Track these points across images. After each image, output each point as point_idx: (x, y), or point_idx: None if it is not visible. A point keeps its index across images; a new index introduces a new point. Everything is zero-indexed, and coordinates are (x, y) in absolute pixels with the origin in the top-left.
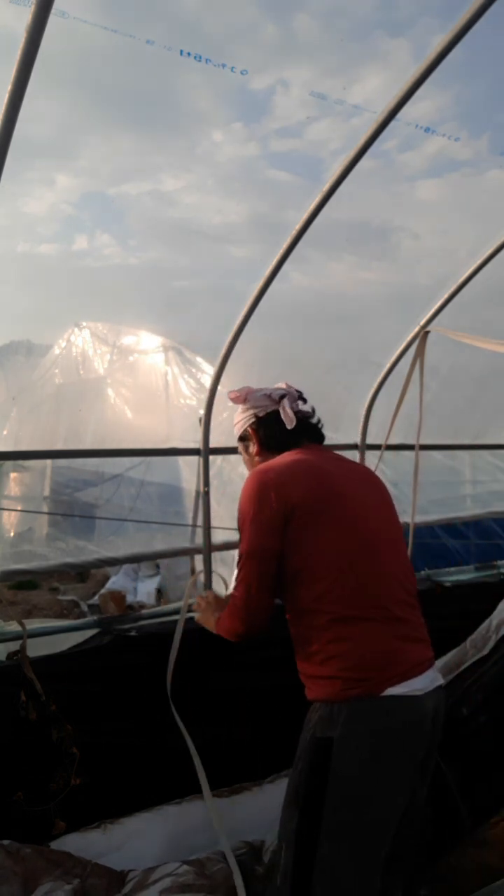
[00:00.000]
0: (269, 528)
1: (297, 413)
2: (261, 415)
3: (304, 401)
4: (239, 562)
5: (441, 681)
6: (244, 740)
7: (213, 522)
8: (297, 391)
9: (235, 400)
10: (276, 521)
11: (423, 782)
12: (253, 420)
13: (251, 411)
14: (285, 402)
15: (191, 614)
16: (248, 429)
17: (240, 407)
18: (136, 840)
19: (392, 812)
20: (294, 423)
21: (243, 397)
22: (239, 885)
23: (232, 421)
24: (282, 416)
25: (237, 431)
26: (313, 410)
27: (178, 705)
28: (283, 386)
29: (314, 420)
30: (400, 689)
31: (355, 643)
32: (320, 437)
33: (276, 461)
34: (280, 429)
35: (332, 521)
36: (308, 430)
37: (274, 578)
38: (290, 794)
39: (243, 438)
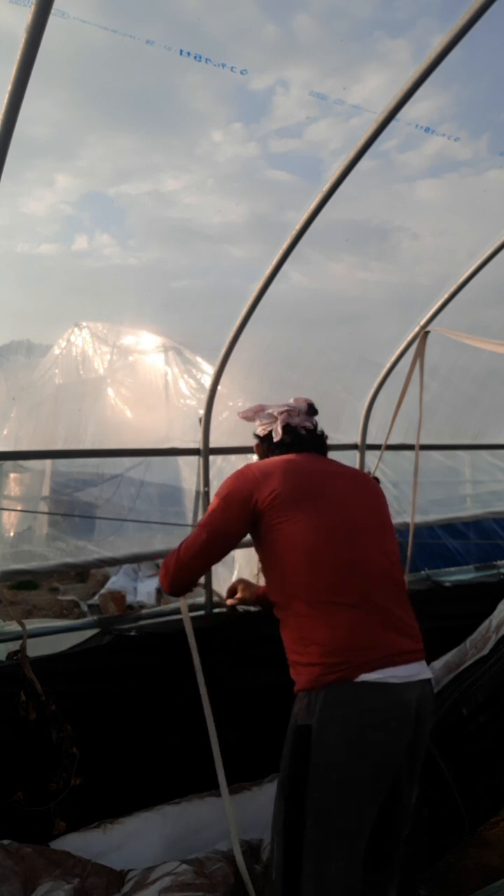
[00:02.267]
0: (233, 514)
1: (299, 427)
2: (263, 434)
3: (314, 413)
4: (196, 527)
5: (428, 675)
6: (243, 740)
7: None
8: (308, 405)
9: (246, 418)
10: (243, 510)
11: (410, 777)
12: (258, 440)
13: (259, 429)
14: (280, 419)
15: (195, 613)
16: (256, 449)
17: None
18: (135, 840)
19: (370, 796)
20: (280, 438)
21: (253, 416)
22: (246, 880)
23: (232, 421)
24: (272, 434)
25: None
26: (315, 425)
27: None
28: (292, 402)
29: (318, 432)
30: (375, 675)
31: (333, 629)
32: (319, 449)
33: (264, 461)
34: (276, 443)
35: (309, 511)
36: (305, 443)
37: (215, 557)
38: (278, 787)
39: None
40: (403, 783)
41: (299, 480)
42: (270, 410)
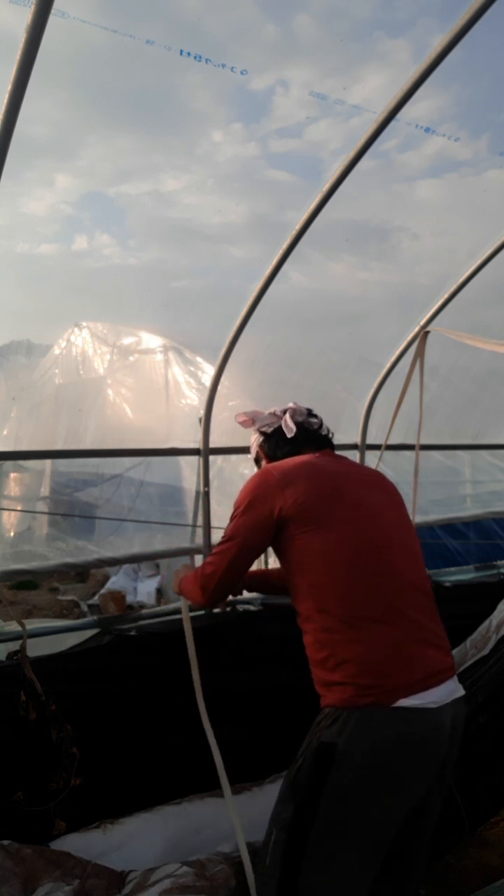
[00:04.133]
0: (258, 526)
1: (303, 424)
2: (268, 431)
3: (314, 417)
4: (222, 539)
5: (461, 692)
6: (244, 740)
7: (213, 522)
8: (307, 409)
9: (244, 424)
10: (266, 522)
11: (439, 790)
12: (262, 439)
13: (260, 431)
14: (287, 415)
15: (194, 614)
16: (259, 450)
17: (251, 431)
18: (135, 840)
19: (389, 824)
20: (294, 432)
21: (251, 420)
22: (250, 877)
23: (232, 421)
24: (282, 426)
25: (252, 455)
26: (321, 424)
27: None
28: (292, 405)
29: (322, 432)
30: (413, 700)
31: (367, 647)
32: (328, 443)
33: (283, 462)
34: (284, 440)
35: (337, 520)
36: (314, 440)
37: (246, 567)
38: (287, 788)
39: (257, 461)
40: (433, 797)
41: (323, 485)
42: (272, 410)
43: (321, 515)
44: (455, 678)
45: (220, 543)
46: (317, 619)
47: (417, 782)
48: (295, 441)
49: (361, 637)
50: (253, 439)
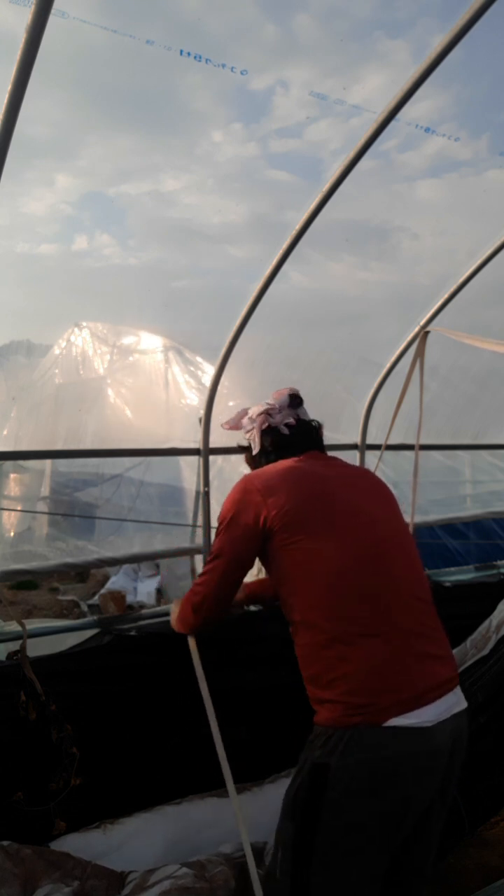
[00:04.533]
0: (243, 537)
1: (280, 427)
2: (247, 444)
3: (297, 404)
4: (209, 557)
5: (463, 705)
6: (244, 740)
7: (213, 522)
8: (290, 395)
9: (233, 429)
10: (252, 532)
11: (440, 811)
12: (244, 450)
13: (245, 437)
14: (258, 422)
15: None
16: (245, 458)
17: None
18: (135, 840)
19: (389, 840)
20: (259, 447)
21: (237, 424)
22: (254, 876)
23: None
24: (251, 440)
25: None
26: (298, 418)
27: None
28: (272, 399)
29: (307, 426)
30: (405, 719)
31: (358, 664)
32: (315, 444)
33: (267, 468)
34: (262, 451)
35: (326, 528)
36: (295, 444)
37: (237, 582)
38: (288, 805)
39: (251, 455)
40: (433, 812)
41: (309, 492)
42: (251, 413)
43: (308, 525)
44: (457, 690)
45: (208, 562)
46: (305, 634)
47: (414, 801)
48: (266, 452)
49: (352, 654)
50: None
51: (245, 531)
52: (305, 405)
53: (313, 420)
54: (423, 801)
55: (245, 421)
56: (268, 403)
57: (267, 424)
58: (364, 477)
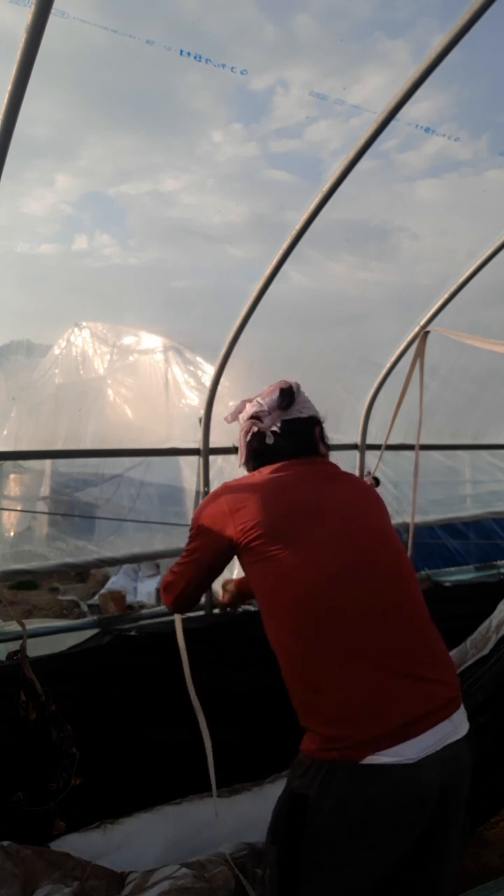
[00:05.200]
0: (212, 548)
1: (266, 434)
2: (239, 444)
3: (289, 403)
4: (185, 550)
5: (461, 733)
6: (244, 740)
7: None
8: (280, 390)
9: (230, 421)
10: (220, 545)
11: (441, 854)
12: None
13: (241, 432)
14: (243, 430)
15: (194, 614)
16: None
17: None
18: (135, 840)
19: (370, 877)
20: (244, 459)
21: (236, 417)
22: (248, 887)
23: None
24: (240, 445)
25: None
26: (290, 418)
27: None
28: (262, 398)
29: (300, 426)
30: (384, 757)
31: (332, 692)
32: (305, 447)
33: (243, 480)
34: (250, 455)
35: (297, 544)
36: (282, 449)
37: (205, 583)
38: (270, 829)
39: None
40: (431, 861)
41: (281, 506)
42: (243, 414)
43: (277, 541)
44: (455, 717)
45: (183, 553)
46: (284, 654)
47: (395, 840)
48: (257, 457)
49: (325, 681)
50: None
51: (213, 544)
52: (290, 412)
53: (311, 415)
54: (405, 841)
55: (241, 417)
56: (258, 403)
57: (255, 429)
58: (347, 483)
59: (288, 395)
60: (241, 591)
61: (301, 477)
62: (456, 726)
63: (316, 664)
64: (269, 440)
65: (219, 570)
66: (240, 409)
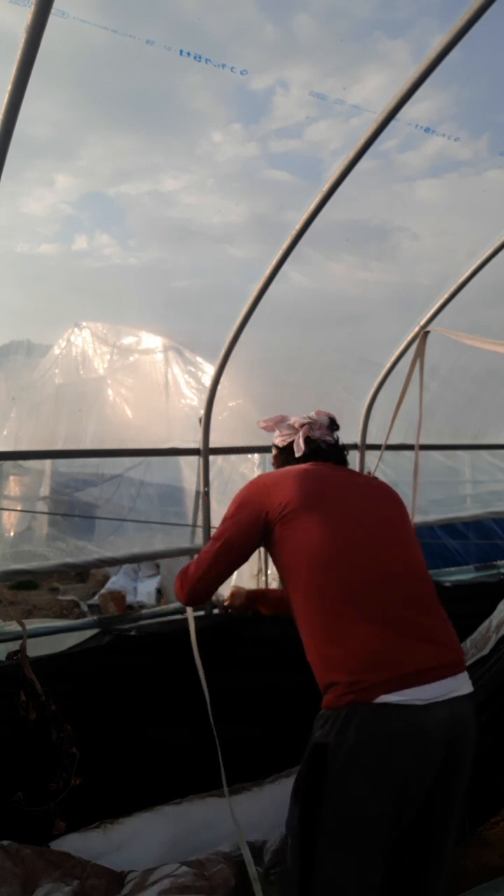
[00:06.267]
0: (243, 528)
1: (320, 441)
2: (282, 445)
3: (335, 428)
4: (209, 542)
5: (465, 691)
6: (244, 740)
7: (214, 522)
8: (330, 419)
9: (266, 429)
10: (253, 525)
11: (445, 810)
12: (276, 450)
13: (278, 440)
14: (300, 435)
15: (195, 614)
16: (273, 459)
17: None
18: (135, 840)
19: (388, 821)
20: (302, 452)
21: (272, 426)
22: (254, 879)
23: (232, 421)
24: (294, 448)
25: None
26: (336, 441)
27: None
28: (314, 415)
29: (338, 446)
30: (394, 697)
31: (348, 645)
32: (337, 458)
33: (278, 470)
34: (293, 455)
35: (322, 520)
36: (324, 455)
37: (228, 564)
38: (293, 792)
39: (276, 457)
40: (435, 814)
41: (313, 489)
42: (291, 422)
43: (307, 515)
44: (460, 676)
45: (210, 541)
46: (305, 617)
47: (411, 781)
48: (302, 457)
49: (346, 634)
50: (274, 442)
51: (247, 520)
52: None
53: (345, 444)
54: (420, 784)
55: (285, 426)
56: (311, 417)
57: (308, 436)
58: (370, 483)
59: (335, 422)
60: (250, 598)
61: (328, 470)
62: (460, 684)
63: (336, 617)
64: (323, 446)
65: (244, 550)
66: (280, 420)
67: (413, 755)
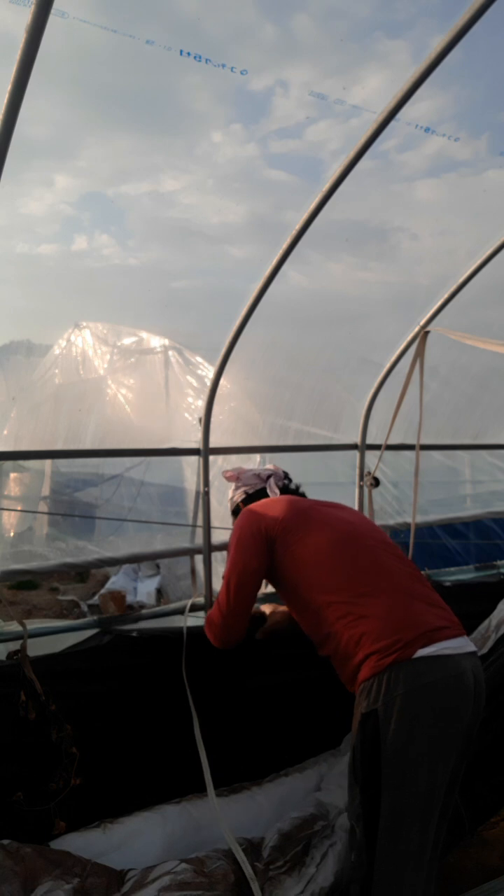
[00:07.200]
0: (252, 548)
1: (281, 488)
2: (250, 492)
3: (290, 480)
4: (223, 583)
5: (473, 647)
6: (244, 739)
7: (214, 522)
8: (284, 472)
9: (229, 479)
10: (259, 542)
11: (463, 753)
12: (243, 497)
13: (242, 488)
14: (271, 480)
15: (195, 613)
16: (240, 504)
17: (233, 484)
18: (135, 839)
19: (441, 773)
20: (276, 494)
21: (236, 476)
22: (249, 875)
23: (232, 421)
24: (268, 491)
25: (231, 507)
26: (297, 487)
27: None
28: (271, 467)
29: (295, 489)
30: (430, 649)
31: (374, 616)
32: (302, 496)
33: (259, 501)
34: (263, 498)
35: (314, 527)
36: (290, 492)
37: (251, 597)
38: (349, 775)
39: (235, 513)
40: (463, 755)
41: (299, 507)
42: (255, 472)
43: (303, 527)
44: (465, 637)
45: (224, 578)
46: (325, 618)
47: (456, 731)
48: (263, 494)
49: (366, 610)
50: (233, 494)
51: (250, 542)
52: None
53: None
54: (462, 730)
55: (249, 475)
56: (269, 470)
57: (273, 482)
58: (335, 504)
59: (289, 476)
60: (274, 625)
61: (304, 499)
62: (467, 641)
63: (358, 598)
64: (291, 485)
65: (259, 572)
66: (241, 471)
67: (459, 698)
